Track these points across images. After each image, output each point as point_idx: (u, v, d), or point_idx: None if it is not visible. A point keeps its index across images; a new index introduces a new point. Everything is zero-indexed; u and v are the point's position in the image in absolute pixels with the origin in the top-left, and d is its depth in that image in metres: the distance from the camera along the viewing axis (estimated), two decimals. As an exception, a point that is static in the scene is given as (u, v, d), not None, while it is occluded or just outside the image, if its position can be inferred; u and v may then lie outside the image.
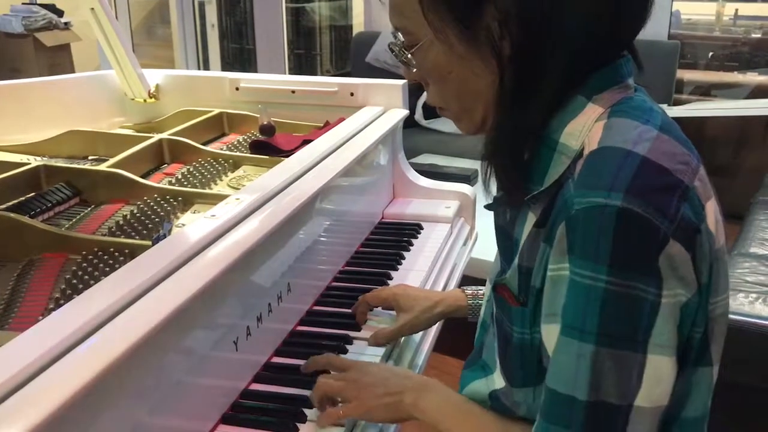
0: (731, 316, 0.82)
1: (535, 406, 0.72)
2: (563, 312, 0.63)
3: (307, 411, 0.89)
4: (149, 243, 0.97)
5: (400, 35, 0.73)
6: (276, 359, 1.03)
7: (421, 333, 1.15)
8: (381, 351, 1.04)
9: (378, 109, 1.55)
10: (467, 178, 2.52)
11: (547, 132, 0.69)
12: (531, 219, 0.71)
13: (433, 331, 1.20)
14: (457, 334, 1.65)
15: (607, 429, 0.63)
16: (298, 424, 0.87)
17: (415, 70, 0.74)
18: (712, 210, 0.65)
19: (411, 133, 3.38)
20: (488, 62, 0.68)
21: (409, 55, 0.72)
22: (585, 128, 0.67)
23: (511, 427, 0.78)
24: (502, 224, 0.78)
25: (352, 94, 1.61)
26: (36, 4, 4.32)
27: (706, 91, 3.79)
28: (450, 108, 0.75)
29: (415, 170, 1.69)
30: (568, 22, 0.65)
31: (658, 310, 0.60)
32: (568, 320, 0.63)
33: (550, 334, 0.66)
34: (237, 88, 1.69)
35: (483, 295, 1.06)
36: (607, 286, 0.59)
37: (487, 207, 0.80)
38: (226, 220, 0.91)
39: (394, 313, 1.12)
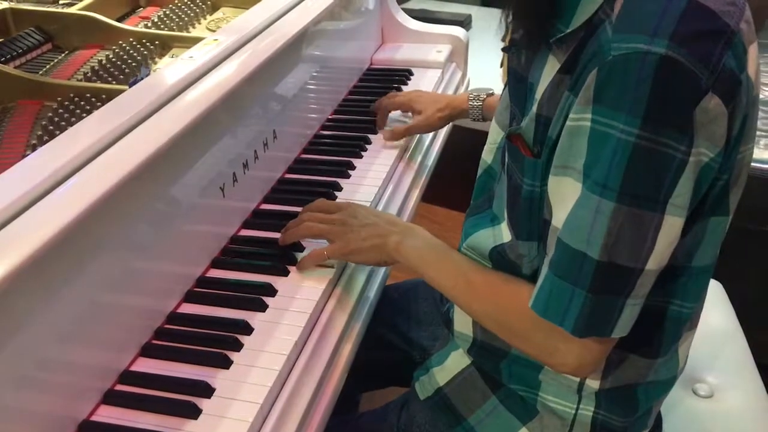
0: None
1: (538, 261, 0.71)
2: (586, 165, 0.60)
3: (298, 255, 0.91)
4: (126, 88, 0.93)
5: None
6: (264, 206, 1.03)
7: (431, 137, 1.29)
8: (371, 196, 1.03)
9: (364, -55, 1.45)
10: (461, 23, 2.42)
11: None
12: (552, 63, 0.65)
13: (442, 135, 1.32)
14: (446, 183, 1.66)
15: (614, 292, 0.62)
16: (288, 267, 0.89)
17: None
18: (754, 55, 0.61)
19: (401, -22, 3.20)
20: None
21: None
22: None
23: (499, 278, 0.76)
24: (515, 67, 0.73)
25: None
26: None
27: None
28: None
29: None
30: None
31: (684, 169, 0.58)
32: (590, 174, 0.60)
33: (558, 186, 0.64)
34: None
35: (483, 97, 1.13)
36: (638, 140, 0.56)
37: (505, 50, 0.74)
38: (205, 62, 0.87)
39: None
